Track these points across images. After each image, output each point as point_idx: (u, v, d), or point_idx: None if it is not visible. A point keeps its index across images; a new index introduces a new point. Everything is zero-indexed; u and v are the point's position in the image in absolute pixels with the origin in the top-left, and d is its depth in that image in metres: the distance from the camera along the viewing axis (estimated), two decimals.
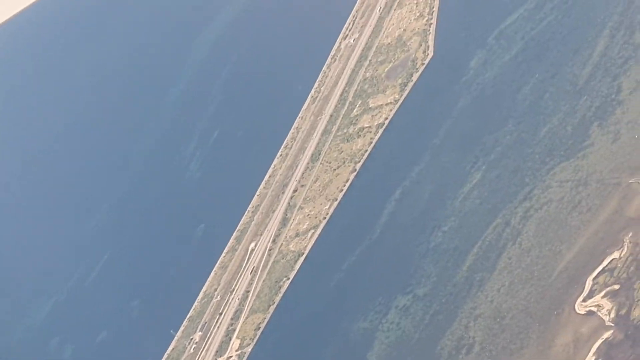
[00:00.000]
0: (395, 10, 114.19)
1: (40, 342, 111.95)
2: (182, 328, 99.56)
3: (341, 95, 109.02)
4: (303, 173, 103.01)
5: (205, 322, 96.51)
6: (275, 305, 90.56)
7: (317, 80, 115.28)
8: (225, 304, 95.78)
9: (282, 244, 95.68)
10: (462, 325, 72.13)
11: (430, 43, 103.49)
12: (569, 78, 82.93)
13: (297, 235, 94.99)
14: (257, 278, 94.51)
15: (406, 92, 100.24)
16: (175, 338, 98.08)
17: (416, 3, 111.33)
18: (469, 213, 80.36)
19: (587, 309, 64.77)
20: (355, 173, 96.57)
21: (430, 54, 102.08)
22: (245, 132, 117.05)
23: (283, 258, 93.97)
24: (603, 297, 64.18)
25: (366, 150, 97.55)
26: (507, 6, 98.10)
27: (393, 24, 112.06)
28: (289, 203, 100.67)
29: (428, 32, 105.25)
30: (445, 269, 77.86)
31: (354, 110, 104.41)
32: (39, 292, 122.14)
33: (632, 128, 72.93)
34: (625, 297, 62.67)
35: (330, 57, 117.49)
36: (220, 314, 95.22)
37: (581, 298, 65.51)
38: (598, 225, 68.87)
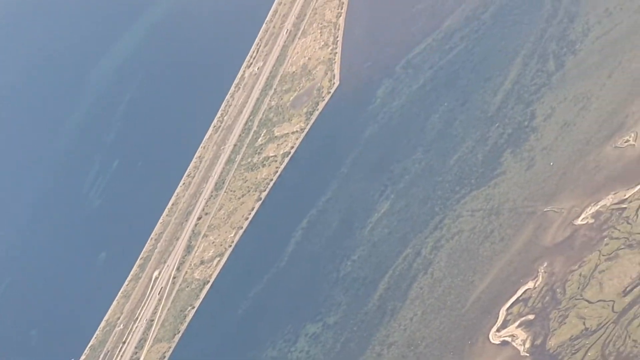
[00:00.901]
0: (299, 38, 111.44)
1: None
2: (83, 357, 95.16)
3: (245, 124, 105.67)
4: (207, 201, 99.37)
5: (108, 351, 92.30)
6: (180, 334, 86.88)
7: (220, 109, 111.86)
8: (129, 333, 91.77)
9: (186, 272, 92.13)
10: (375, 353, 69.39)
11: (336, 72, 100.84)
12: (480, 106, 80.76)
13: (202, 263, 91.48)
14: (161, 306, 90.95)
15: (312, 121, 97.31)
16: None
17: (320, 32, 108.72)
18: (378, 242, 77.76)
19: (502, 339, 62.84)
20: (260, 201, 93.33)
21: (336, 82, 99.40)
22: (146, 161, 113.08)
23: (188, 286, 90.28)
24: (518, 327, 62.35)
25: (272, 179, 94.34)
26: (415, 36, 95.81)
27: (298, 53, 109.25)
28: (193, 231, 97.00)
29: (333, 61, 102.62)
30: (355, 298, 75.00)
31: (259, 139, 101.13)
32: None
33: (546, 155, 71.10)
34: (540, 327, 60.87)
35: (233, 85, 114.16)
36: (124, 342, 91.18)
37: (495, 328, 63.50)
38: (511, 255, 66.85)
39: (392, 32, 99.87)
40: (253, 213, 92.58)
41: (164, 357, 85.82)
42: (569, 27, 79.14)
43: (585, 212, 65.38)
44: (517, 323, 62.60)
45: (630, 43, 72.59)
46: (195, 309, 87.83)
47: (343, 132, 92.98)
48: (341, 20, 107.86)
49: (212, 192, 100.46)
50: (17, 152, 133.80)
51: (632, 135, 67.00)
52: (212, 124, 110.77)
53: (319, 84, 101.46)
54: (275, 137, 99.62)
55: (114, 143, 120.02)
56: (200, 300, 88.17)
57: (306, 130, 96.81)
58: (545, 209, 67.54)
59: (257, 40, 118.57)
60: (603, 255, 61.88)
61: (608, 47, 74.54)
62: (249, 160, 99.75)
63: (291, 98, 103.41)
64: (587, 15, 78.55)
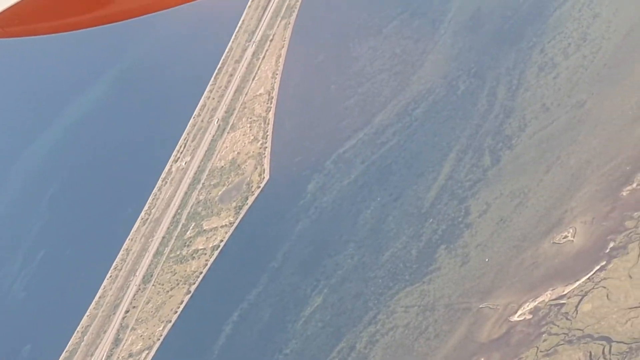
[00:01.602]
0: (228, 133, 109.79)
1: None
2: None
3: (174, 217, 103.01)
4: (135, 294, 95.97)
5: None
6: None
7: (147, 202, 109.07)
8: None
9: None
10: None
11: (266, 166, 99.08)
12: (413, 202, 79.53)
13: (130, 356, 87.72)
14: None
15: (242, 215, 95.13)
16: None
17: (250, 126, 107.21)
18: (311, 336, 75.44)
19: None
20: (189, 295, 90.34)
21: (266, 177, 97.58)
22: (72, 253, 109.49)
23: None
24: None
25: (201, 272, 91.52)
26: (346, 131, 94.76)
27: (226, 147, 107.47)
28: (120, 324, 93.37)
29: (263, 156, 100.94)
30: None
31: (188, 232, 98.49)
32: None
33: (481, 251, 69.92)
34: None
35: (160, 179, 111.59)
36: None
37: None
38: (447, 351, 65.23)
39: (323, 126, 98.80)
40: (182, 306, 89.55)
41: None
42: (505, 122, 78.53)
43: (522, 309, 64.23)
44: None
45: (569, 138, 72.23)
46: None
47: (273, 227, 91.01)
48: (271, 115, 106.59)
49: (140, 284, 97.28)
50: None
51: (571, 231, 66.30)
52: (140, 216, 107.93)
53: (248, 179, 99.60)
54: (204, 230, 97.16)
55: (40, 233, 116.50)
56: None
57: (236, 224, 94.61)
58: (480, 305, 66.15)
59: (184, 134, 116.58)
60: (541, 352, 60.76)
61: (545, 143, 74.05)
62: (178, 252, 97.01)
63: (220, 192, 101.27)
64: (524, 111, 78.03)
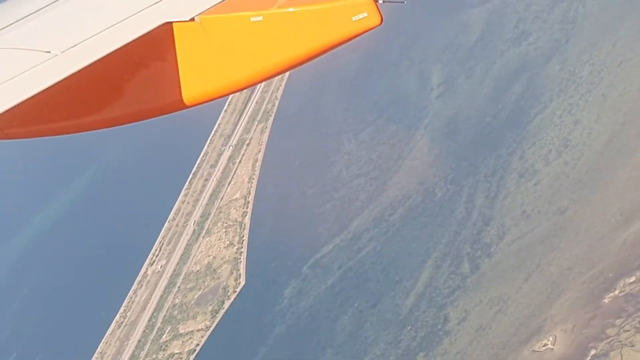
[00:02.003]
0: (203, 237, 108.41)
1: None
2: None
3: (149, 320, 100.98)
4: None
5: None
6: None
7: (123, 305, 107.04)
8: None
9: None
10: None
11: (242, 271, 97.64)
12: (391, 308, 78.21)
13: None
14: None
15: (218, 319, 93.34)
16: None
17: (225, 231, 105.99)
18: None
19: None
20: None
21: (242, 282, 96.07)
22: (45, 357, 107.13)
23: None
24: None
25: None
26: (322, 236, 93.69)
27: (202, 251, 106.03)
28: None
29: (239, 261, 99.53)
30: None
31: (164, 336, 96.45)
32: None
33: (461, 359, 68.80)
34: None
35: (136, 282, 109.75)
36: None
37: None
38: None
39: (299, 232, 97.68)
40: None
41: None
42: (484, 230, 77.64)
43: None
44: None
45: (549, 246, 71.32)
46: None
47: (250, 331, 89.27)
48: (247, 219, 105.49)
49: None
50: None
51: (551, 339, 65.12)
52: (115, 319, 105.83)
53: (224, 283, 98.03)
54: (181, 334, 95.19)
55: (11, 336, 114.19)
56: None
57: (212, 329, 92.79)
58: None
59: (159, 237, 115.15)
60: None
61: (525, 250, 73.11)
62: (154, 356, 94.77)
63: (196, 296, 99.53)
64: (503, 218, 77.15)
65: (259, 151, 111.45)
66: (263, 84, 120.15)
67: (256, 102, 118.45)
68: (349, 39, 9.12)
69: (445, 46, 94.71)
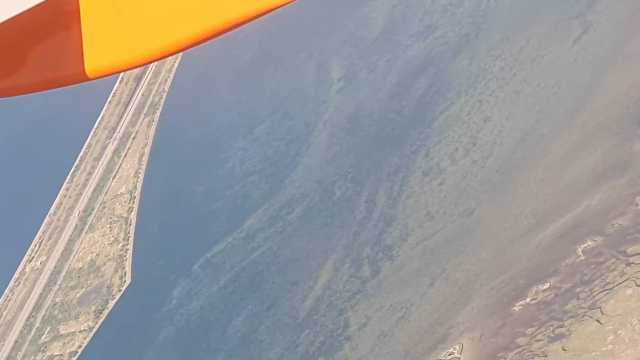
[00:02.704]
0: (86, 233, 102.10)
1: None
2: None
3: (27, 320, 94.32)
4: None
5: None
6: None
7: None
8: None
9: None
10: None
11: (128, 269, 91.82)
12: (288, 311, 73.40)
13: None
14: None
15: (102, 319, 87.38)
16: None
17: (110, 227, 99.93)
18: None
19: None
20: None
21: (128, 280, 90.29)
22: None
23: None
24: None
25: None
26: (214, 234, 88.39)
27: (85, 248, 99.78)
28: None
29: (124, 258, 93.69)
30: None
31: (43, 337, 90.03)
32: None
33: None
34: None
35: (13, 280, 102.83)
36: None
37: None
38: None
39: (189, 229, 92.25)
40: None
41: None
42: (385, 231, 72.83)
43: None
44: None
45: (455, 249, 66.74)
46: None
47: (136, 333, 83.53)
48: (133, 215, 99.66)
49: None
50: None
51: (457, 347, 61.39)
52: None
53: (108, 281, 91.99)
54: (61, 335, 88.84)
55: None
56: None
57: (95, 329, 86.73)
58: None
59: (39, 233, 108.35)
60: None
61: (430, 254, 68.45)
62: (32, 358, 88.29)
63: (78, 295, 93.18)
64: (406, 219, 72.26)
65: (146, 145, 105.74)
66: (150, 73, 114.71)
67: (142, 94, 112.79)
68: (265, 12, 8.37)
69: (346, 39, 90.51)
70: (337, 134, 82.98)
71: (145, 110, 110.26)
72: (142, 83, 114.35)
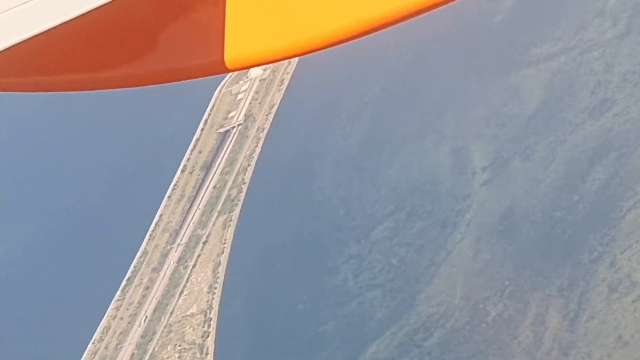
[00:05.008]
0: None
1: None
2: None
3: None
4: None
5: None
6: None
7: None
8: None
9: None
10: None
11: None
12: None
13: None
14: None
15: None
16: None
17: (179, 357, 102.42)
18: None
19: None
20: None
21: None
22: None
23: None
24: None
25: None
26: None
27: None
28: None
29: None
30: None
31: None
32: None
33: None
34: None
35: None
36: None
37: None
38: None
39: (287, 356, 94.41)
40: None
41: None
42: None
43: None
44: None
45: None
46: None
47: None
48: (210, 342, 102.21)
49: None
50: None
51: None
52: None
53: None
54: None
55: None
56: None
57: None
58: None
59: None
60: None
61: None
62: None
63: None
64: (590, 346, 73.04)
65: (222, 252, 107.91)
66: (223, 159, 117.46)
67: (214, 187, 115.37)
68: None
69: (490, 117, 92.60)
70: (485, 238, 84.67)
71: (219, 207, 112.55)
72: (212, 172, 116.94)
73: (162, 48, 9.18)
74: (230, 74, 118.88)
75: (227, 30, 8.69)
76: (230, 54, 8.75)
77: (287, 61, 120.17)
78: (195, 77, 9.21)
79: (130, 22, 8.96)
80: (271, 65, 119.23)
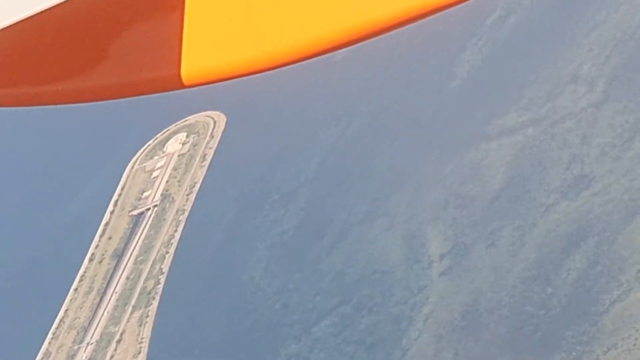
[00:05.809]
0: None
1: None
2: None
3: None
4: None
5: None
6: None
7: None
8: None
9: None
10: None
11: None
12: None
13: None
14: None
15: None
16: None
17: None
18: None
19: None
20: None
21: None
22: None
23: None
24: None
25: None
26: None
27: None
28: None
29: None
30: None
31: None
32: None
33: None
34: None
35: None
36: None
37: None
38: None
39: None
40: None
41: None
42: None
43: None
44: None
45: None
46: None
47: None
48: None
49: None
50: None
51: None
52: None
53: None
54: None
55: None
56: None
57: None
58: None
59: None
60: None
61: None
62: None
63: None
64: None
65: (139, 352, 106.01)
66: (136, 246, 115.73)
67: (127, 278, 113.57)
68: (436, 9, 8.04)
69: (448, 198, 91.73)
70: (446, 336, 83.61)
71: (133, 301, 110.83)
72: (125, 261, 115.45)
73: (111, 59, 9.32)
74: (144, 147, 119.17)
75: (185, 41, 8.84)
76: (187, 68, 8.90)
77: (209, 135, 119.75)
78: (146, 94, 9.34)
79: (73, 29, 9.05)
80: (191, 139, 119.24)
